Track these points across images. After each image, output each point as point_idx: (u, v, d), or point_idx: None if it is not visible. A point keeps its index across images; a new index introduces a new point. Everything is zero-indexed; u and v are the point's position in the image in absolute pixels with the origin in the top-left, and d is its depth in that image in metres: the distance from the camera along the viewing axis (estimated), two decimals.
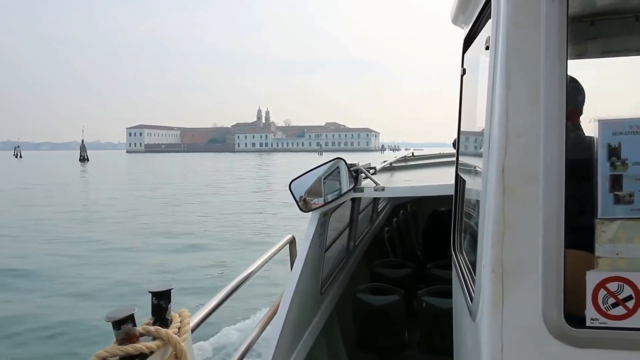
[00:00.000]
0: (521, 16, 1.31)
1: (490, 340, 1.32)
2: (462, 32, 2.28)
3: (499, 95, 1.32)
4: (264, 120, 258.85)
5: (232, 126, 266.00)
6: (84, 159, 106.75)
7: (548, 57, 1.27)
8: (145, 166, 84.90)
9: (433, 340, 3.50)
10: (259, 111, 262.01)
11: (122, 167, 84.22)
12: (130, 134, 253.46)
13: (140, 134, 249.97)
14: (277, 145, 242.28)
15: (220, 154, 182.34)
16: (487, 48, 1.47)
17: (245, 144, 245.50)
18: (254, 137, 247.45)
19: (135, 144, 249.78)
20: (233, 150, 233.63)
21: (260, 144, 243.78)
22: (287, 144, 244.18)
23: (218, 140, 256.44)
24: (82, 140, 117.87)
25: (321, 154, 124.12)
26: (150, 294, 1.53)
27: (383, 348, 3.70)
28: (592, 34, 1.90)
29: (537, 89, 1.28)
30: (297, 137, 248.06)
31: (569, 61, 1.28)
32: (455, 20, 2.29)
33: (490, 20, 1.45)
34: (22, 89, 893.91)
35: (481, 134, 1.50)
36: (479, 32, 1.82)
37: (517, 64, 1.31)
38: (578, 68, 1.92)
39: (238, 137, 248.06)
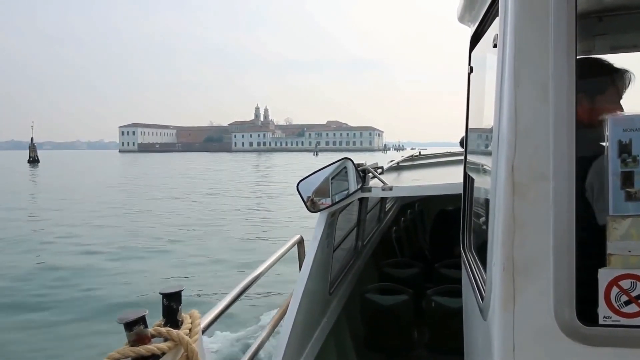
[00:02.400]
0: (529, 13, 1.30)
1: (501, 338, 1.31)
2: (468, 30, 2.27)
3: (508, 93, 1.31)
4: (262, 119, 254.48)
5: (229, 124, 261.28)
6: (33, 160, 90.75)
7: (557, 54, 1.26)
8: (100, 172, 61.73)
9: (442, 339, 3.50)
10: (257, 109, 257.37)
11: (67, 170, 66.27)
12: (123, 133, 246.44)
13: (134, 133, 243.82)
14: (276, 145, 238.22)
15: (216, 154, 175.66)
16: (494, 46, 1.46)
17: (243, 143, 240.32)
18: (251, 136, 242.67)
19: (128, 143, 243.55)
20: (230, 150, 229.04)
21: (258, 144, 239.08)
22: (286, 143, 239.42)
23: (214, 140, 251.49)
24: (32, 139, 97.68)
25: (317, 154, 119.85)
26: (161, 296, 1.53)
27: (392, 348, 3.69)
28: (601, 30, 1.90)
29: (546, 86, 1.27)
30: (296, 136, 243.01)
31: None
32: (462, 19, 2.28)
33: (497, 18, 1.45)
34: (25, 89, 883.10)
35: (490, 132, 1.50)
36: (486, 29, 1.82)
37: (525, 61, 1.30)
38: None
39: (235, 136, 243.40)
